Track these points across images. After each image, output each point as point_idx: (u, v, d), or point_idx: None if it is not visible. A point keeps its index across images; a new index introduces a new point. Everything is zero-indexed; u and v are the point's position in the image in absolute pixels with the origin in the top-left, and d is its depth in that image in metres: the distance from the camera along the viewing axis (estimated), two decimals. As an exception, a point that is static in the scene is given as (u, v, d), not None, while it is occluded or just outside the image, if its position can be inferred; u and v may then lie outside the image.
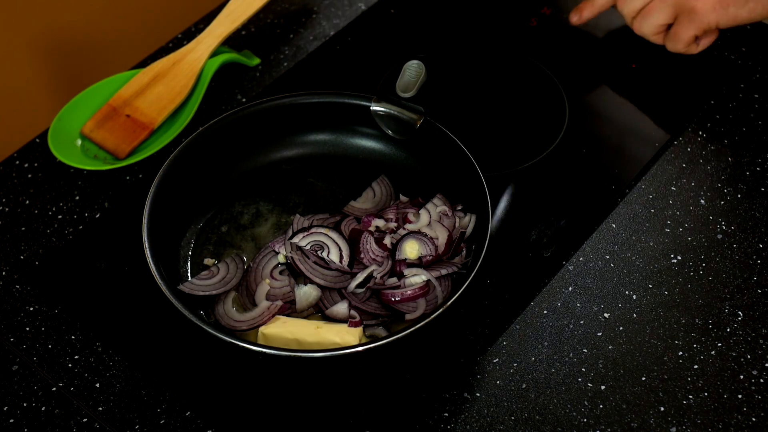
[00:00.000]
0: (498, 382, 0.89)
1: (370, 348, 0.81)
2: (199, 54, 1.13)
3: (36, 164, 1.09)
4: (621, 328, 0.93)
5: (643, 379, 0.89)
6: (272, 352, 0.81)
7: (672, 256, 0.98)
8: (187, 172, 0.97)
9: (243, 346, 0.81)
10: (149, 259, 0.87)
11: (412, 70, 0.95)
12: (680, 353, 0.91)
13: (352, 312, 0.90)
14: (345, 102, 1.00)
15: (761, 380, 0.89)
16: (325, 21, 1.24)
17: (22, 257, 1.00)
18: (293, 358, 0.81)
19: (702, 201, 1.02)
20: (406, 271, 0.91)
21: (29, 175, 1.07)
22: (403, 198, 0.99)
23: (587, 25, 1.21)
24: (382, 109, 0.97)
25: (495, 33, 1.21)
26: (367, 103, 0.98)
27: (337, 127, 1.03)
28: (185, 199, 0.97)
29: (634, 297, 0.95)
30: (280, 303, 0.90)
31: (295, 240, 0.93)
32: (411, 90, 0.95)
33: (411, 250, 0.92)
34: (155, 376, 0.90)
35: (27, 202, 1.05)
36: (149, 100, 1.11)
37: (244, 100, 1.15)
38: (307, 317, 0.91)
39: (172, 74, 1.12)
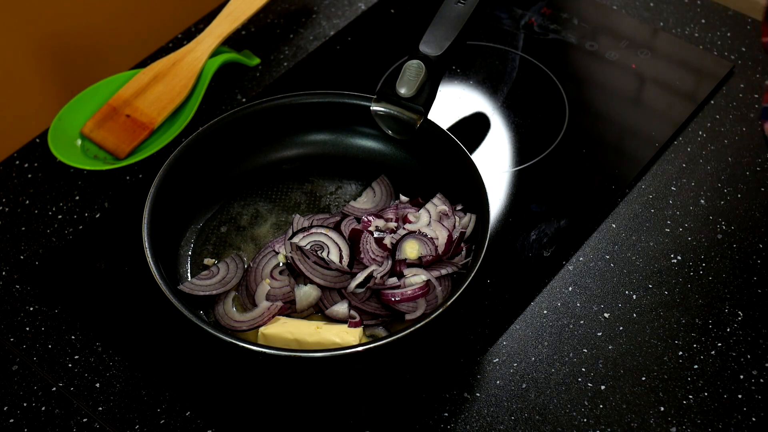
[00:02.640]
0: (498, 382, 0.89)
1: (370, 348, 0.81)
2: (199, 54, 1.13)
3: (36, 164, 1.09)
4: (621, 328, 0.93)
5: (643, 379, 0.89)
6: (272, 352, 0.81)
7: (672, 256, 0.98)
8: (187, 172, 0.97)
9: (243, 346, 0.81)
10: (149, 259, 0.87)
11: (412, 70, 0.95)
12: (680, 353, 0.91)
13: (352, 312, 0.90)
14: (345, 102, 1.00)
15: (761, 380, 0.89)
16: (325, 21, 1.24)
17: (22, 257, 1.00)
18: (293, 358, 0.81)
19: (702, 201, 1.02)
20: (406, 271, 0.91)
21: (29, 175, 1.07)
22: (403, 198, 0.99)
23: (587, 25, 1.21)
24: (382, 109, 0.97)
25: (495, 33, 1.21)
26: (367, 103, 0.98)
27: (337, 127, 1.03)
28: (185, 199, 0.97)
29: (634, 297, 0.95)
30: (280, 304, 0.90)
31: (295, 240, 0.93)
32: (411, 90, 0.95)
33: (411, 250, 0.92)
34: (155, 376, 0.90)
35: (27, 202, 1.05)
36: (149, 100, 1.11)
37: (244, 100, 1.15)
38: (307, 317, 0.91)
39: (172, 74, 1.12)
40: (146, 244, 0.87)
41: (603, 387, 0.89)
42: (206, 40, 1.14)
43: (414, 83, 0.95)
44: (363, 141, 1.03)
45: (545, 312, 0.94)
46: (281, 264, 0.93)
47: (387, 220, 0.96)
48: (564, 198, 1.03)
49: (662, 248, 0.98)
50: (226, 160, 1.01)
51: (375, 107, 0.97)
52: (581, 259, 0.98)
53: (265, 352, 0.81)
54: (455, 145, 0.95)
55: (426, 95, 0.95)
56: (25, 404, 0.89)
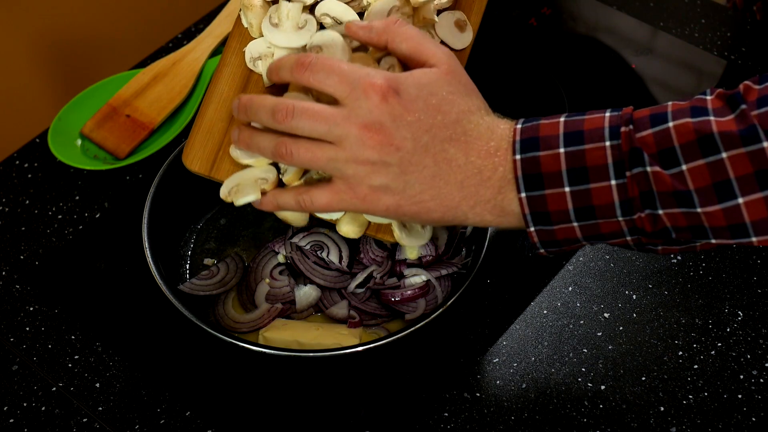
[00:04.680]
0: (498, 382, 0.89)
1: (370, 348, 0.81)
2: (199, 54, 1.13)
3: (36, 164, 1.09)
4: (621, 328, 0.93)
5: (643, 379, 0.89)
6: (272, 352, 0.81)
7: (672, 256, 0.98)
8: (187, 172, 0.96)
9: (243, 346, 0.81)
10: (149, 259, 0.87)
11: None
12: (680, 353, 0.91)
13: (352, 312, 0.90)
14: None
15: (761, 380, 0.89)
16: (325, 21, 1.24)
17: (22, 257, 1.00)
18: (293, 358, 0.81)
19: (702, 201, 1.02)
20: (406, 271, 0.91)
21: (29, 175, 1.07)
22: None
23: (587, 25, 1.21)
24: None
25: (495, 33, 1.21)
26: None
27: None
28: (185, 198, 0.97)
29: (634, 297, 0.95)
30: (279, 306, 0.89)
31: (295, 240, 0.93)
32: None
33: (411, 250, 0.92)
34: (155, 376, 0.90)
35: (27, 202, 1.05)
36: (149, 100, 1.11)
37: (244, 100, 1.14)
38: (306, 318, 0.91)
39: (172, 74, 1.12)
40: (146, 244, 0.87)
41: (603, 387, 0.89)
42: (206, 40, 1.14)
43: None
44: None
45: (545, 312, 0.94)
46: (281, 264, 0.93)
47: None
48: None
49: (662, 248, 0.98)
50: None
51: None
52: (581, 259, 0.98)
53: (265, 352, 0.81)
54: None
55: None
56: (25, 404, 0.89)
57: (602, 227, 0.68)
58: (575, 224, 0.69)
